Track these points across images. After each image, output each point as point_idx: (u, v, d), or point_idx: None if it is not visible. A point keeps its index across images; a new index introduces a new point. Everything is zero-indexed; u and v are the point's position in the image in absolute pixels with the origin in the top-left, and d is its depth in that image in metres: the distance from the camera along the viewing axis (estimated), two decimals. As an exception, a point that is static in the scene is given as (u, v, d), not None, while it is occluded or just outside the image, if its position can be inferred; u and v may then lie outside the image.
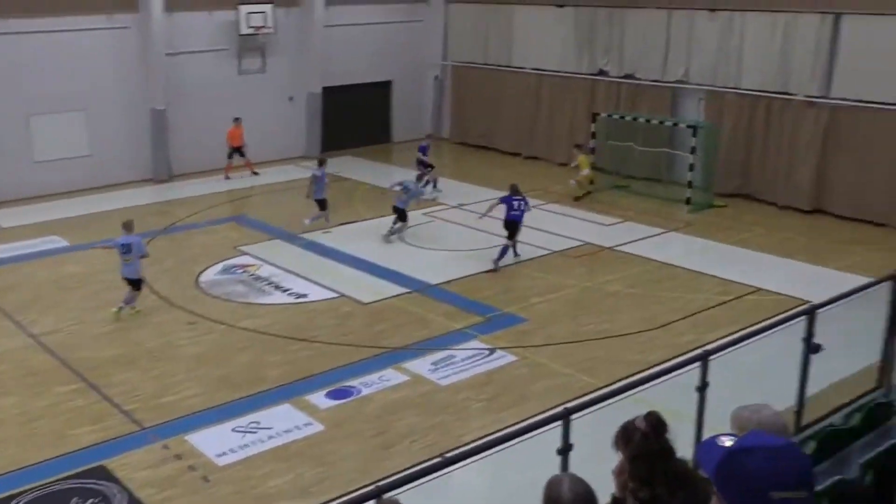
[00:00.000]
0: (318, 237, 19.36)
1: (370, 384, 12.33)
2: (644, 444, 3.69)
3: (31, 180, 23.05)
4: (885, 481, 6.28)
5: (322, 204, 19.81)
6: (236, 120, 24.94)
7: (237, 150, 24.98)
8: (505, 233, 17.30)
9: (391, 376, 12.57)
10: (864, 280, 10.95)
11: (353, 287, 16.19)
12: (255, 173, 25.23)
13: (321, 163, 20.27)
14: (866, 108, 19.80)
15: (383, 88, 29.82)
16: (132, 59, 24.12)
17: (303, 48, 27.27)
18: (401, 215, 18.96)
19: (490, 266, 17.00)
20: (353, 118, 29.03)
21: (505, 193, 17.66)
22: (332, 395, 12.03)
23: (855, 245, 18.44)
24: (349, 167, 26.56)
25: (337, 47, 27.93)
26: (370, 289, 16.13)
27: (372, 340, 13.87)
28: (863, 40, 19.78)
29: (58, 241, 19.30)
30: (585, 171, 22.23)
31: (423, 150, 23.17)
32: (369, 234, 19.76)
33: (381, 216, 20.93)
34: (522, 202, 17.31)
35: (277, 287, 16.29)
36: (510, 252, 17.27)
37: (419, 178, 22.17)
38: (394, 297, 15.71)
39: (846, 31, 20.19)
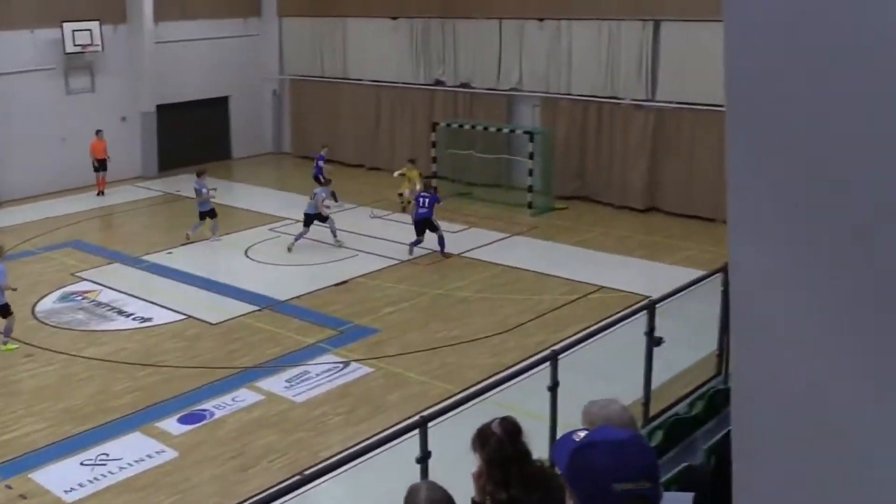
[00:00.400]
0: (160, 258, 18.71)
1: (224, 406, 12.00)
2: (500, 448, 3.78)
3: None
4: (725, 466, 6.61)
5: (205, 215, 19.73)
6: (98, 132, 24.41)
7: (102, 164, 24.56)
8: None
9: (245, 396, 12.29)
10: (697, 273, 11.52)
11: (200, 308, 15.74)
12: (101, 193, 24.53)
13: (199, 174, 19.98)
14: (689, 109, 20.87)
15: (220, 104, 29.17)
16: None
17: (133, 66, 26.34)
18: (307, 220, 18.93)
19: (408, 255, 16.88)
20: (191, 136, 28.23)
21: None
22: (185, 419, 11.64)
23: (687, 240, 19.38)
24: (189, 186, 25.77)
25: (170, 64, 27.11)
26: (218, 308, 15.73)
27: (223, 361, 13.51)
28: (681, 45, 20.85)
29: None
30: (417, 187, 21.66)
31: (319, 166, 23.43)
32: (213, 253, 19.28)
33: (226, 233, 20.47)
34: (427, 199, 18.06)
35: (120, 312, 15.66)
36: (413, 248, 18.14)
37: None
38: (243, 315, 15.36)
39: (666, 36, 21.25)
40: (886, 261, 1.18)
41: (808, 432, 1.29)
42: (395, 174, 22.68)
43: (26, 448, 10.98)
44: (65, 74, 25.03)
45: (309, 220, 18.91)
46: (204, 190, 19.83)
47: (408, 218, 20.97)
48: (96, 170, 24.51)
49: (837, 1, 1.16)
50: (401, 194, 22.35)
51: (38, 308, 15.86)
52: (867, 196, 1.18)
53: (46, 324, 15.15)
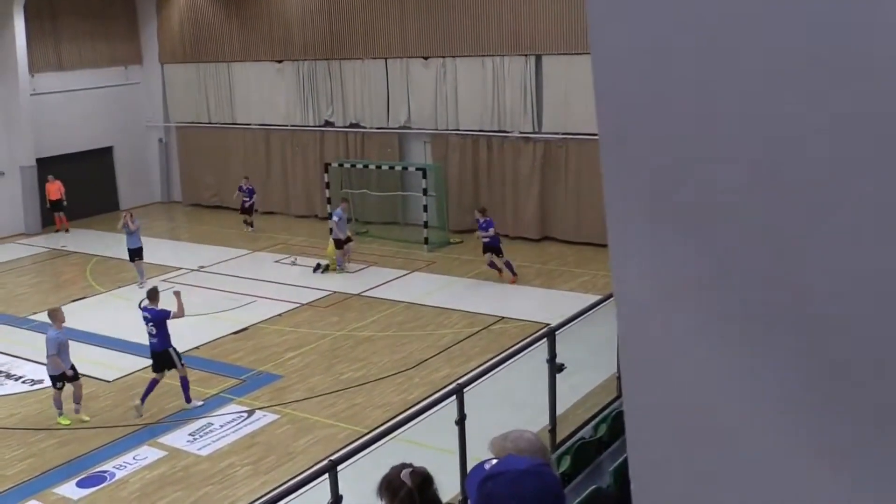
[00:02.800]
0: (44, 316, 18.03)
1: (124, 466, 11.65)
2: (409, 499, 3.77)
3: None
4: (627, 487, 6.78)
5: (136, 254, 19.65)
6: (49, 177, 25.30)
7: (57, 204, 25.17)
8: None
9: (147, 454, 11.96)
10: (593, 298, 11.82)
11: (94, 366, 15.25)
12: (66, 230, 25.52)
13: (130, 215, 20.03)
14: (575, 139, 21.45)
15: (105, 155, 28.53)
16: None
17: (9, 119, 25.54)
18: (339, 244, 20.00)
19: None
20: (75, 188, 27.43)
21: None
22: (84, 483, 11.25)
23: (582, 267, 19.83)
24: (75, 240, 25.08)
25: (49, 116, 26.41)
26: (113, 365, 15.29)
27: (122, 419, 13.12)
28: (563, 78, 21.45)
29: None
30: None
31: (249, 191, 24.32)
32: (106, 308, 18.74)
33: (118, 286, 19.95)
34: (486, 223, 18.67)
35: (8, 376, 15.06)
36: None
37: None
38: (140, 370, 14.95)
39: (548, 70, 21.84)
40: (757, 272, 1.27)
41: (698, 449, 1.37)
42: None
43: (-88, 527, 10.42)
44: (-64, 131, 24.09)
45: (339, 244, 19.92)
46: (130, 228, 19.75)
47: (311, 262, 20.83)
48: (54, 211, 24.99)
49: (691, 29, 1.27)
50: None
51: (-81, 377, 15.10)
52: (736, 213, 1.28)
53: (-72, 393, 14.45)
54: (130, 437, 12.46)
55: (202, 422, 12.80)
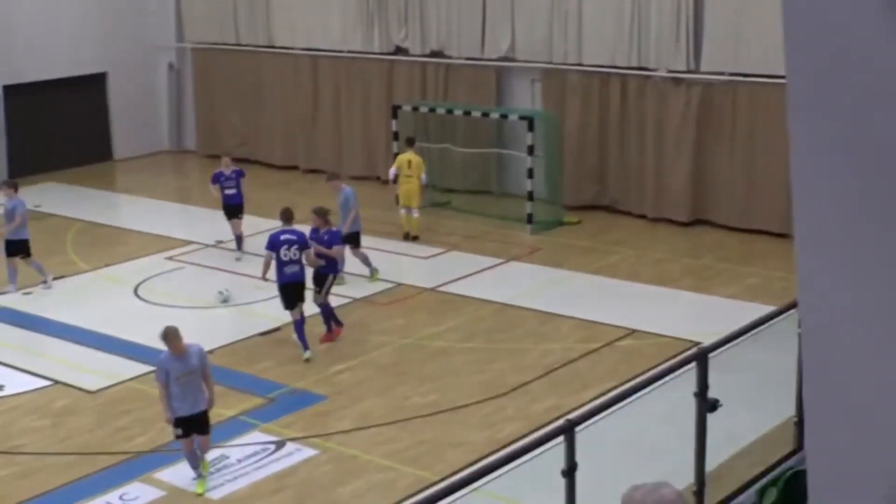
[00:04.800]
0: (13, 301, 18.65)
1: (108, 508, 12.00)
2: None
3: None
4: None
5: (26, 248, 19.24)
6: None
7: None
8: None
9: (139, 492, 12.26)
10: (765, 309, 11.66)
11: (73, 370, 15.67)
12: None
13: (13, 187, 19.38)
14: (749, 83, 21.12)
15: (95, 84, 29.23)
16: None
17: (-28, 31, 26.36)
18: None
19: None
20: (54, 128, 28.22)
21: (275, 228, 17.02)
22: (54, 528, 11.62)
23: (750, 264, 19.59)
24: (53, 198, 25.76)
25: (21, 28, 27.16)
26: (97, 370, 15.68)
27: (106, 444, 13.46)
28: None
29: None
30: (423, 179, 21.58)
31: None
32: (90, 293, 19.23)
33: (107, 264, 20.46)
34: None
35: (-42, 379, 15.60)
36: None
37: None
38: (133, 378, 15.31)
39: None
40: None
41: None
42: (392, 175, 21.90)
43: None
44: None
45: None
46: (20, 209, 19.17)
47: (371, 240, 21.02)
48: None
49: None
50: (399, 205, 21.85)
51: None
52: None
53: None
54: (117, 470, 12.79)
55: (214, 453, 13.06)
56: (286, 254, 15.82)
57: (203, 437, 12.32)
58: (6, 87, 26.83)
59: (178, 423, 12.07)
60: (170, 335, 12.05)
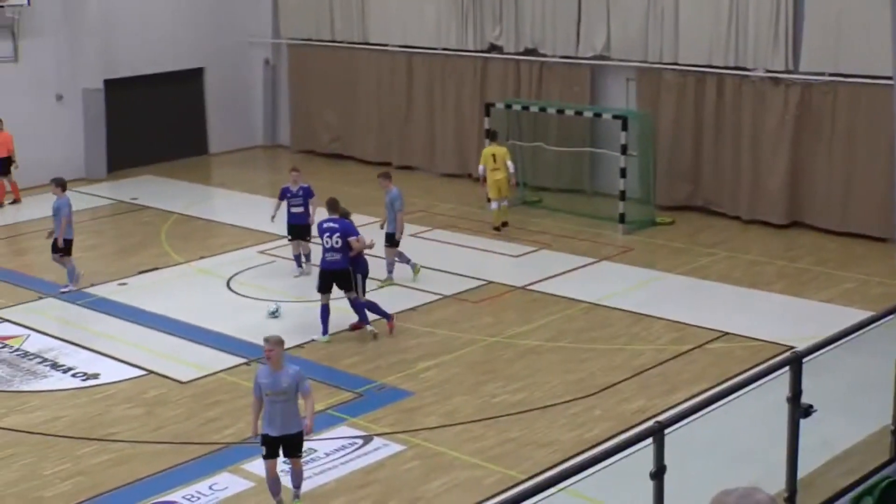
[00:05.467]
0: (110, 291, 18.99)
1: (198, 497, 12.10)
2: None
3: None
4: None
5: (67, 248, 19.09)
6: None
7: (6, 164, 24.83)
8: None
9: (228, 483, 12.39)
10: (861, 314, 11.46)
11: (166, 360, 15.92)
12: (16, 201, 25.15)
13: (60, 186, 19.35)
14: (849, 84, 20.75)
15: (192, 79, 29.68)
16: None
17: (74, 26, 26.89)
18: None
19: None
20: (152, 122, 28.71)
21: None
22: (144, 516, 11.79)
23: (847, 268, 19.25)
24: (149, 191, 26.22)
25: (124, 25, 27.68)
26: (189, 361, 15.90)
27: (197, 435, 13.64)
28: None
29: None
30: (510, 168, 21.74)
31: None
32: (182, 284, 19.50)
33: (201, 257, 20.74)
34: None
35: (55, 366, 15.88)
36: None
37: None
38: (224, 370, 15.51)
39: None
40: None
41: None
42: (481, 171, 22.10)
43: (-73, 553, 11.20)
44: (-19, 39, 25.65)
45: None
46: (65, 210, 19.01)
47: (461, 237, 21.12)
48: (7, 172, 25.03)
49: None
50: (490, 200, 22.19)
51: (-56, 360, 16.17)
52: None
53: (-45, 381, 15.45)
54: (207, 460, 12.94)
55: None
56: (328, 241, 16.29)
57: (292, 459, 11.59)
58: (107, 82, 27.32)
59: (265, 441, 11.43)
60: (269, 342, 11.37)
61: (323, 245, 16.37)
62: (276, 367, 11.27)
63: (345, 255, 16.29)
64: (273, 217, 19.76)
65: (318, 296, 16.58)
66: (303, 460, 12.80)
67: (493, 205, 22.06)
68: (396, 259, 19.00)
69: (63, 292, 18.92)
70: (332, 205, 16.77)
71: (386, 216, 18.97)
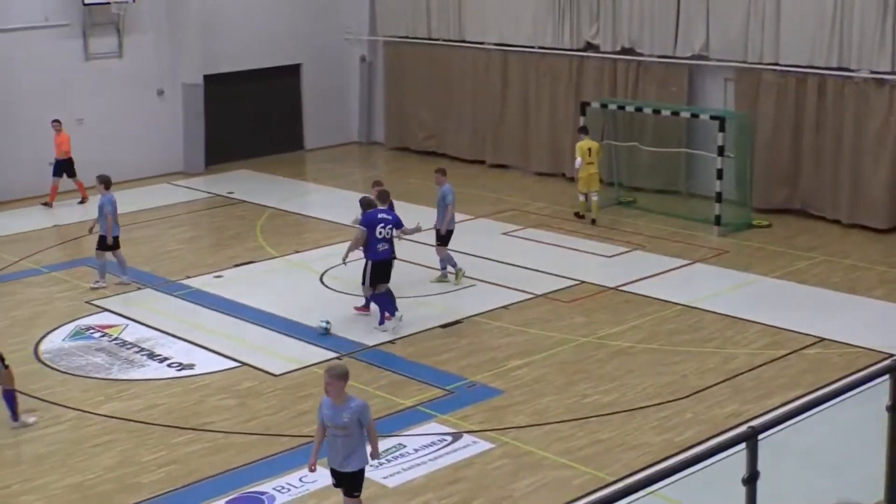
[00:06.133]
0: (206, 283, 19.27)
1: (288, 489, 12.22)
2: None
3: None
4: None
5: (114, 244, 19.19)
6: (58, 122, 24.49)
7: (66, 165, 24.56)
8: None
9: (317, 476, 12.41)
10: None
11: (260, 353, 16.10)
12: (83, 200, 25.01)
13: (104, 183, 19.38)
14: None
15: (290, 76, 29.98)
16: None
17: (176, 23, 27.34)
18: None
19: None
20: (249, 118, 29.09)
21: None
22: (236, 505, 11.95)
23: (948, 274, 18.92)
24: (245, 185, 26.54)
25: (224, 21, 28.08)
26: (282, 354, 16.07)
27: (288, 427, 13.76)
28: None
29: None
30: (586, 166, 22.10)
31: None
32: (278, 278, 19.70)
33: (296, 251, 20.94)
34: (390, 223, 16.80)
35: (152, 355, 16.16)
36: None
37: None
38: (316, 364, 15.63)
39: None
40: None
41: None
42: (578, 164, 22.31)
43: (25, 535, 11.46)
44: (84, 33, 26.14)
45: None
46: (109, 206, 19.05)
47: (554, 236, 21.06)
48: (57, 173, 24.63)
49: None
50: (586, 195, 22.47)
51: (44, 347, 16.49)
52: None
53: (53, 368, 15.70)
54: (298, 452, 13.03)
55: (391, 441, 13.22)
56: (381, 232, 16.53)
57: (348, 499, 10.84)
58: (206, 77, 27.72)
59: (332, 473, 10.81)
60: (328, 373, 10.44)
61: (375, 236, 16.53)
62: (337, 401, 10.34)
63: (393, 246, 16.76)
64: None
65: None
66: (392, 455, 12.90)
67: (582, 196, 22.42)
68: (445, 258, 18.97)
69: (96, 285, 19.14)
70: (383, 197, 17.02)
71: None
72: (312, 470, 10.81)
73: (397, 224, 16.80)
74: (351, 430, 10.34)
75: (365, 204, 17.14)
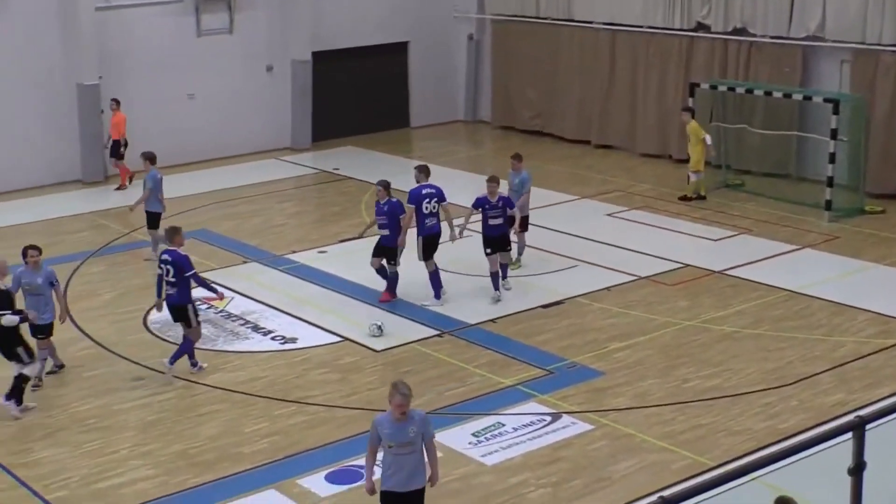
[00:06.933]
0: (310, 258, 19.47)
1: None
2: None
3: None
4: None
5: (154, 220, 19.41)
6: (115, 102, 24.15)
7: (119, 147, 24.20)
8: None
9: (416, 453, 12.57)
10: None
11: (361, 328, 16.23)
12: (122, 187, 24.46)
13: (148, 159, 19.57)
14: None
15: (397, 53, 30.07)
16: (50, 17, 24.48)
17: (286, 0, 27.59)
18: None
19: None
20: (356, 94, 29.26)
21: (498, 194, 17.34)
22: (335, 477, 12.04)
23: None
24: (350, 162, 26.73)
25: (332, -2, 28.26)
26: (385, 330, 16.18)
27: (388, 402, 13.89)
28: None
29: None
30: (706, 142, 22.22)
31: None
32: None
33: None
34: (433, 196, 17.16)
35: (256, 328, 16.40)
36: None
37: None
38: (417, 341, 15.73)
39: None
40: None
41: None
42: (710, 142, 22.36)
43: (130, 500, 11.69)
44: (196, 10, 26.50)
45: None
46: (151, 184, 19.26)
47: (659, 218, 20.89)
48: (115, 154, 24.38)
49: None
50: (696, 171, 22.44)
51: (152, 318, 16.81)
52: None
53: (161, 338, 16.04)
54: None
55: (490, 420, 13.27)
56: (427, 206, 16.78)
57: None
58: (315, 54, 27.93)
59: (388, 499, 9.82)
60: (400, 392, 9.61)
61: (422, 211, 16.77)
62: (402, 418, 9.60)
63: (440, 220, 16.98)
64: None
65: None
66: (491, 433, 12.93)
67: (695, 175, 22.47)
68: (522, 244, 18.77)
69: (146, 259, 19.39)
70: (425, 170, 17.45)
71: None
72: (373, 493, 10.01)
73: (441, 197, 17.02)
74: (417, 445, 9.68)
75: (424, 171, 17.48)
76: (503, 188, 18.03)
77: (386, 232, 16.85)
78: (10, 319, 13.43)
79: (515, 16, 29.40)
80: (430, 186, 17.07)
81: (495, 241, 17.09)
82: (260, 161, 26.93)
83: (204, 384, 14.52)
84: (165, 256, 14.73)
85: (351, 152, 27.72)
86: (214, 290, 15.27)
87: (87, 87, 24.73)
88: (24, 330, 13.91)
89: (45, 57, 24.44)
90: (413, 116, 30.58)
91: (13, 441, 13.12)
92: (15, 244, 16.16)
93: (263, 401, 14.03)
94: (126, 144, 24.16)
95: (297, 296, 17.74)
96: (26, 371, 13.63)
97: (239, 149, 26.98)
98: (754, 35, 24.43)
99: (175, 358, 14.60)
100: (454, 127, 30.69)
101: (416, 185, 17.27)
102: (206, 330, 16.24)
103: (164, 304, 14.98)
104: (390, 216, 16.87)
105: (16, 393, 13.60)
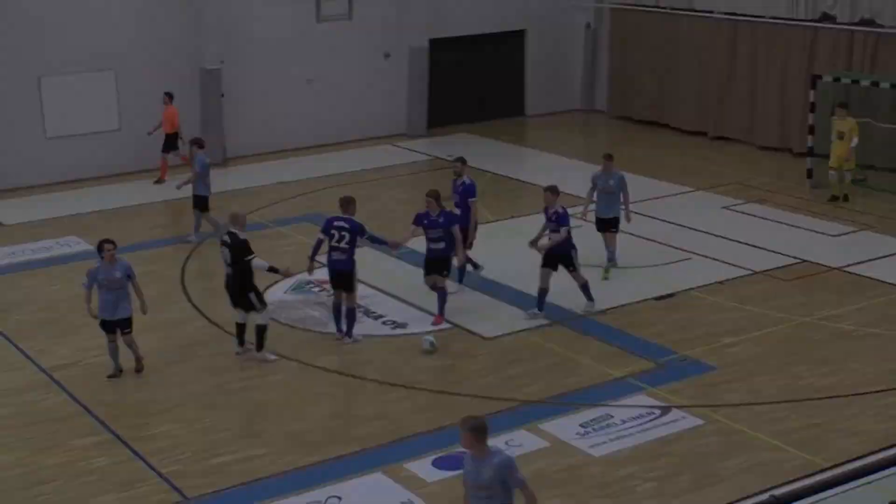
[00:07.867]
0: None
1: (494, 451, 12.35)
2: None
3: (42, 163, 24.06)
4: None
5: (203, 203, 19.81)
6: (169, 95, 23.96)
7: (174, 140, 24.05)
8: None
9: (524, 440, 12.56)
10: None
11: (471, 315, 16.25)
12: (161, 180, 24.14)
13: (196, 143, 19.84)
14: None
15: (513, 41, 30.02)
16: (175, 2, 24.94)
17: (403, -15, 27.71)
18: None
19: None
20: (472, 82, 29.29)
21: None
22: (442, 463, 12.07)
23: None
24: (465, 149, 26.62)
25: (450, -16, 28.30)
26: (494, 317, 16.20)
27: (497, 390, 13.89)
28: None
29: (76, 244, 20.05)
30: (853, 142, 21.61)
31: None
32: (493, 241, 19.81)
33: (511, 216, 21.02)
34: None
35: (367, 312, 16.51)
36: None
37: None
38: (526, 330, 15.71)
39: None
40: None
41: None
42: (854, 144, 21.81)
43: (241, 477, 11.89)
44: (317, -5, 26.82)
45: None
46: (198, 167, 19.63)
47: (776, 213, 20.57)
48: (166, 149, 24.10)
49: None
50: (837, 169, 21.92)
51: (267, 298, 16.97)
52: None
53: (274, 319, 16.17)
54: (505, 416, 13.14)
55: (599, 411, 13.19)
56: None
57: None
58: (432, 41, 28.01)
59: None
60: (461, 425, 8.54)
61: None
62: (478, 454, 8.43)
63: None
64: None
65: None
66: (600, 424, 12.85)
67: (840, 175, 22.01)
68: (614, 249, 18.16)
69: (188, 240, 19.97)
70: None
71: (591, 201, 18.38)
72: None
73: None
74: (494, 492, 8.38)
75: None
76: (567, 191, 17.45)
77: (441, 245, 16.00)
78: (259, 263, 14.62)
79: (634, 5, 29.15)
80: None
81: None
82: (374, 147, 27.11)
83: (315, 366, 14.68)
84: (341, 224, 15.28)
85: (466, 139, 27.73)
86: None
87: (209, 71, 25.13)
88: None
89: (173, 41, 24.93)
90: (528, 105, 30.51)
91: (132, 415, 13.45)
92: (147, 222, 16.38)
93: (373, 385, 14.14)
94: (179, 137, 24.04)
95: (408, 281, 17.79)
96: (260, 321, 14.65)
97: (355, 134, 27.20)
98: (882, 26, 23.88)
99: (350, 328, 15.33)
100: (570, 116, 30.53)
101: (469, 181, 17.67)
102: (318, 313, 16.44)
103: (317, 268, 15.77)
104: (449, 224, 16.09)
105: (262, 343, 14.75)
